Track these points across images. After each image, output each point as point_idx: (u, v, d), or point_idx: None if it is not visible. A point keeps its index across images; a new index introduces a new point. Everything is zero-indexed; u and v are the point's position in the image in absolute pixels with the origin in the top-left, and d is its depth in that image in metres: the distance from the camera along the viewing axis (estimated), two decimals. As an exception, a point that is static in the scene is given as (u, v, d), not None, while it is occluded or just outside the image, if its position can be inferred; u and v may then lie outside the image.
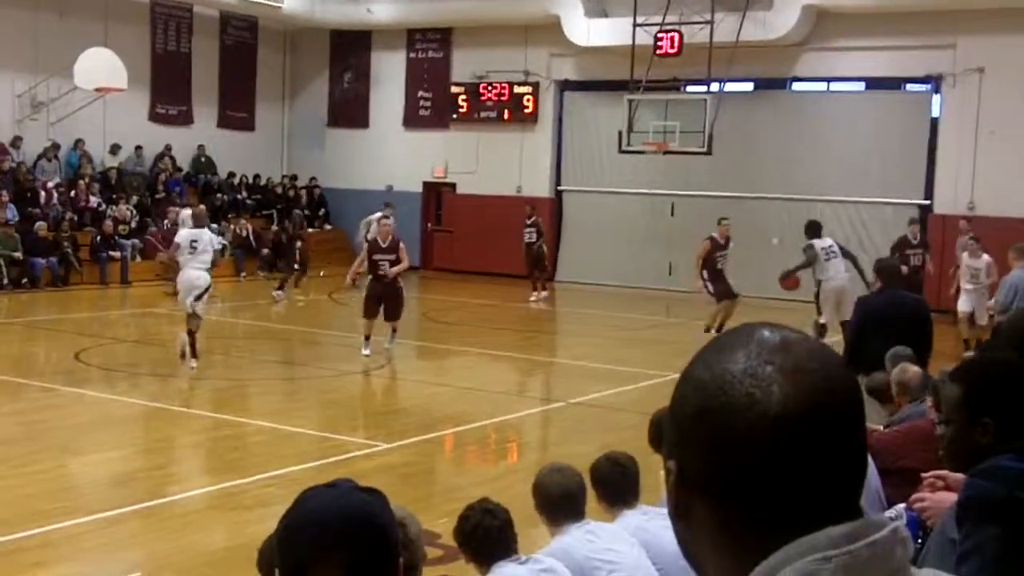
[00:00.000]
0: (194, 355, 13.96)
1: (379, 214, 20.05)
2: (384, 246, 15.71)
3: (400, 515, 3.73)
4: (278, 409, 12.41)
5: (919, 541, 5.18)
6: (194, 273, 13.92)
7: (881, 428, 7.35)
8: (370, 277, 15.75)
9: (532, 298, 23.84)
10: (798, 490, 1.22)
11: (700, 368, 1.28)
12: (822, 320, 16.72)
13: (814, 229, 17.40)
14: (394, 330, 15.91)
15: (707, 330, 17.68)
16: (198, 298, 13.91)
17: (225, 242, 14.53)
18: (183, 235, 14.56)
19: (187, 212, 18.31)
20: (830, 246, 16.95)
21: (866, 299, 10.57)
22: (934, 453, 5.97)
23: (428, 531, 7.19)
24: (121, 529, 8.13)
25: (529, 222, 24.78)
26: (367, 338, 15.62)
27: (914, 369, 7.17)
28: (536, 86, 28.51)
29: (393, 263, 15.53)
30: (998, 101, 23.57)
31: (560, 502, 4.80)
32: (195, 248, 13.94)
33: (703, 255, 19.00)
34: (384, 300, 15.58)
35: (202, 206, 18.38)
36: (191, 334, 13.94)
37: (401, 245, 15.86)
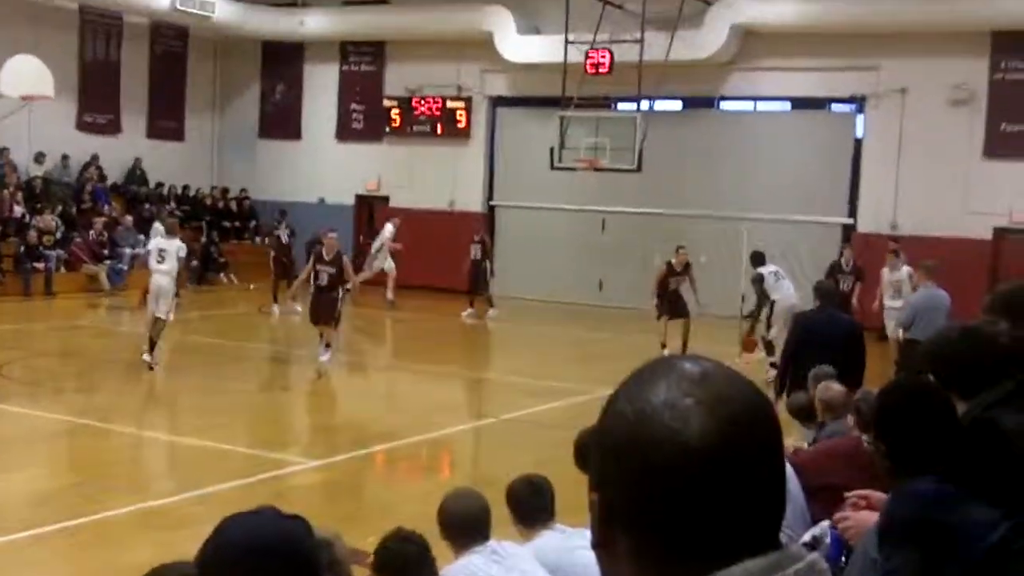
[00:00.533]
0: (151, 351, 14.95)
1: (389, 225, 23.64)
2: (328, 259, 16.28)
3: (327, 535, 3.74)
4: (205, 425, 12.23)
5: (843, 559, 5.29)
6: (161, 280, 14.97)
7: (805, 446, 7.47)
8: (312, 288, 16.46)
9: (464, 313, 23.79)
10: (716, 523, 1.23)
11: (622, 400, 1.29)
12: (771, 336, 17.16)
13: (758, 259, 18.26)
14: (327, 345, 16.06)
15: (663, 346, 18.10)
16: (164, 303, 14.96)
17: (184, 252, 15.51)
18: (152, 244, 15.81)
19: (158, 224, 19.56)
20: (776, 270, 17.95)
21: (803, 315, 10.84)
22: (857, 470, 6.11)
23: (357, 549, 7.16)
24: (44, 548, 8.01)
25: (476, 239, 24.76)
26: (327, 345, 16.03)
27: (837, 387, 7.30)
28: (469, 101, 28.57)
29: (333, 276, 16.07)
30: (920, 121, 24.10)
31: (464, 526, 4.82)
32: (163, 257, 15.01)
33: (659, 279, 19.62)
34: (321, 309, 16.19)
35: (174, 219, 19.93)
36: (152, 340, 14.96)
37: (344, 259, 16.55)
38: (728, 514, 1.23)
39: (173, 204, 29.43)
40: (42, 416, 12.47)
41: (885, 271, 18.95)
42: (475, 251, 24.39)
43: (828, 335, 9.64)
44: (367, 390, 15.80)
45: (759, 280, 17.91)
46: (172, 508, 8.90)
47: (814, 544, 5.41)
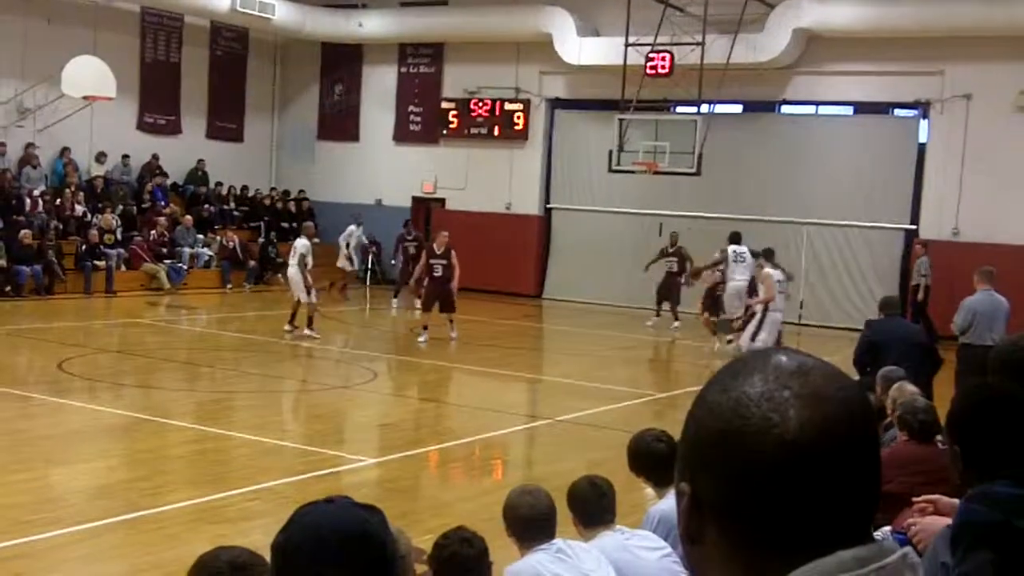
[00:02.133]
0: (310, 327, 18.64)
1: (353, 226, 25.12)
2: (439, 252, 19.47)
3: (392, 529, 3.68)
4: (263, 423, 12.32)
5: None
6: (291, 272, 19.05)
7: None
8: (426, 279, 19.93)
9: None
10: (811, 515, 1.22)
11: (716, 391, 1.27)
12: (735, 315, 19.18)
13: (734, 238, 20.45)
14: (451, 321, 19.29)
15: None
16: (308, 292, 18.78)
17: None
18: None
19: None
20: (743, 252, 19.86)
21: (873, 321, 10.99)
22: (914, 476, 6.00)
23: (414, 548, 7.12)
24: (103, 541, 8.03)
25: (410, 237, 25.73)
26: (425, 328, 19.22)
27: (911, 388, 7.17)
28: (527, 103, 28.52)
29: (446, 267, 19.33)
30: (985, 127, 23.70)
31: (530, 523, 4.76)
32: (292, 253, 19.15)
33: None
34: (439, 298, 19.28)
35: (309, 223, 23.05)
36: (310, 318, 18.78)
37: (453, 252, 19.55)
38: (822, 507, 1.22)
39: (232, 204, 29.69)
40: (102, 411, 12.56)
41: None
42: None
43: (900, 340, 9.76)
44: (423, 389, 15.76)
45: (723, 251, 20.19)
46: (229, 503, 8.90)
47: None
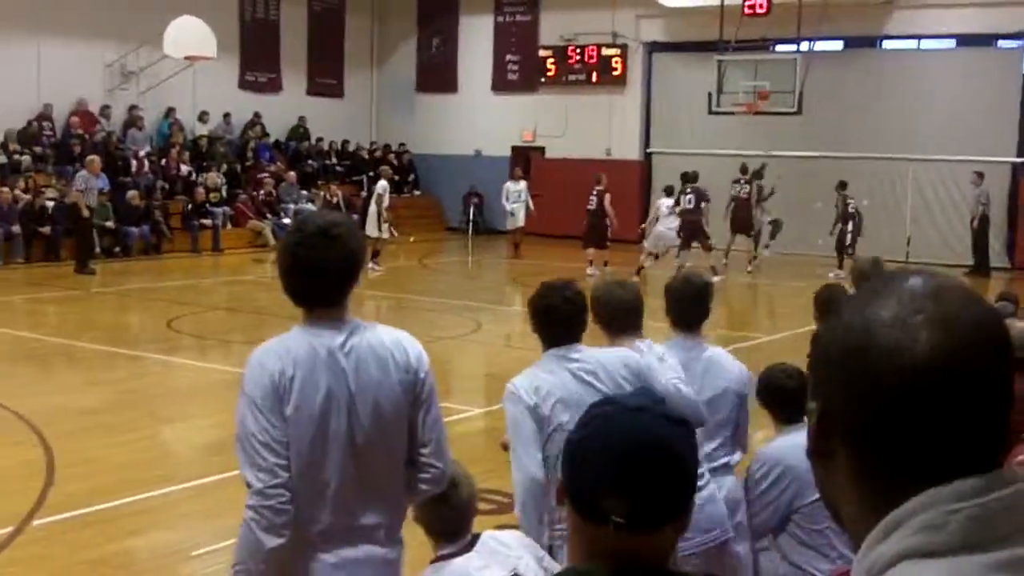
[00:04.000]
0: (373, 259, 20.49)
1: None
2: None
3: (456, 474, 3.76)
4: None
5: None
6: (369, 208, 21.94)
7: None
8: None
9: (588, 272, 21.21)
10: (938, 442, 1.22)
11: (850, 312, 1.28)
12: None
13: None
14: (605, 263, 21.25)
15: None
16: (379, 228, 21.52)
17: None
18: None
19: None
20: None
21: None
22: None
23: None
24: (217, 496, 8.26)
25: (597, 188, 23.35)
26: (591, 262, 21.39)
27: (1021, 324, 6.91)
28: (624, 48, 28.29)
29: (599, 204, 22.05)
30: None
31: (622, 314, 4.91)
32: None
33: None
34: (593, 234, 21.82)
35: (386, 166, 25.21)
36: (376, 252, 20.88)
37: (607, 195, 22.07)
38: (950, 434, 1.22)
39: (334, 159, 30.00)
40: (211, 368, 12.88)
41: None
42: (593, 201, 22.64)
43: None
44: (525, 338, 15.70)
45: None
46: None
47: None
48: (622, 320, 4.91)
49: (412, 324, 16.31)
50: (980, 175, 23.54)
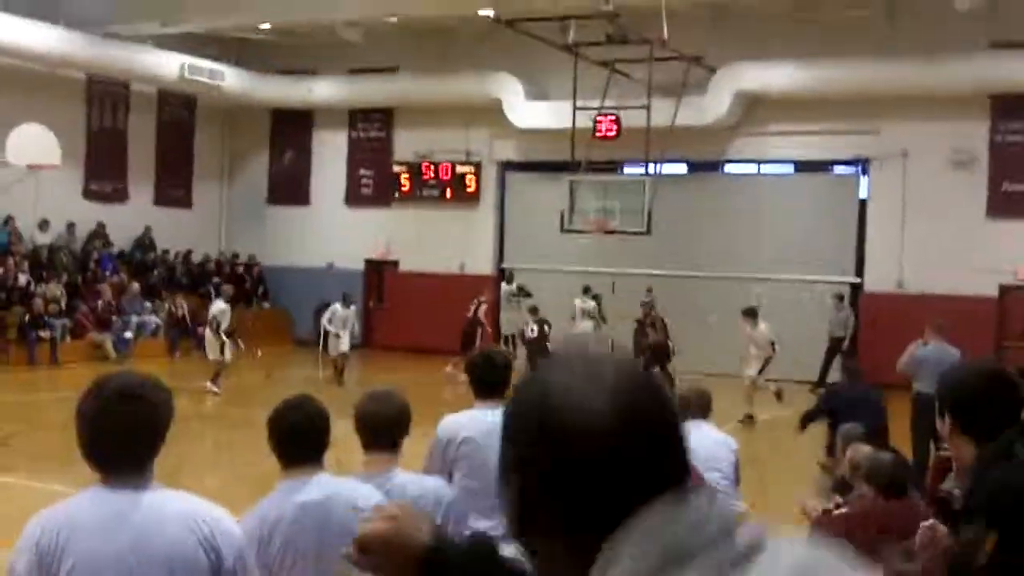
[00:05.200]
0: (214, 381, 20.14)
1: (338, 304, 23.12)
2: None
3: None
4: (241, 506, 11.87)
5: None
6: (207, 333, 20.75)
7: (831, 506, 7.29)
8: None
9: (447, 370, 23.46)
10: (626, 491, 1.35)
11: (527, 387, 1.45)
12: None
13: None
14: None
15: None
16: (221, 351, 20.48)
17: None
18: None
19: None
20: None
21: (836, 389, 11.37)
22: (883, 533, 5.93)
23: None
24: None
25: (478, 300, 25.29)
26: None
27: (865, 448, 7.14)
28: (478, 166, 28.66)
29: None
30: (922, 183, 24.26)
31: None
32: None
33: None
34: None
35: (228, 286, 24.16)
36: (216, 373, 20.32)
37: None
38: (636, 482, 1.35)
39: (179, 270, 29.43)
40: (48, 488, 12.23)
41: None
42: (472, 309, 24.99)
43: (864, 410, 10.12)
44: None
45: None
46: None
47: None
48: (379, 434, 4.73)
49: (247, 448, 15.72)
50: (841, 297, 24.39)
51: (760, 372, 19.71)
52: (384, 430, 4.64)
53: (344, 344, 22.94)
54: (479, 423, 5.42)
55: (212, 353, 20.49)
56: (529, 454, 1.38)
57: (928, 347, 12.08)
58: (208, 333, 20.68)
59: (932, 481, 9.27)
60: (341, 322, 22.93)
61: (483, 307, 24.80)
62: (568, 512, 1.36)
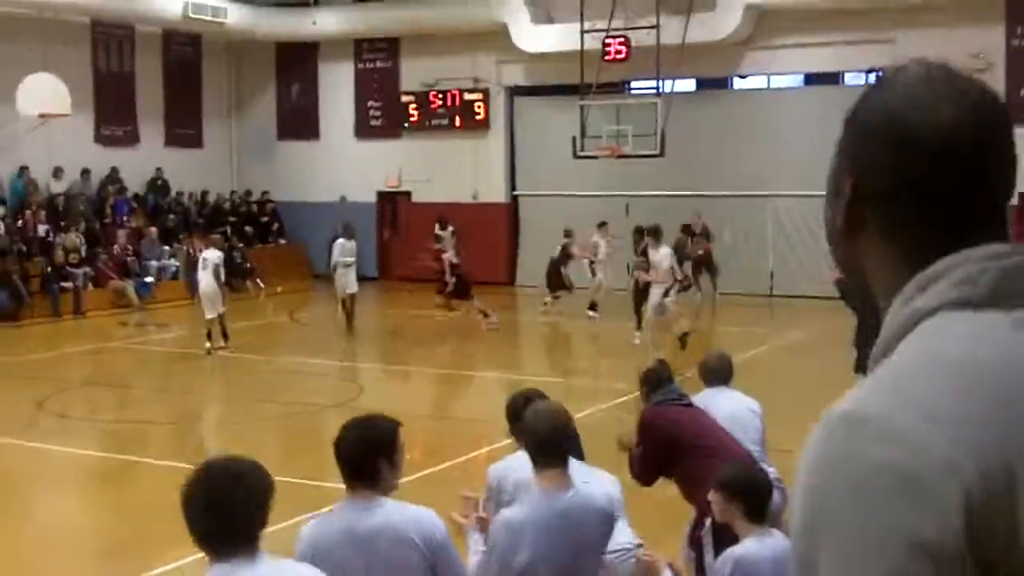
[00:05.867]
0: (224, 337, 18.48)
1: (342, 240, 21.63)
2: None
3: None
4: (256, 455, 12.02)
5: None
6: (206, 285, 18.46)
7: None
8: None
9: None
10: (967, 203, 1.38)
11: (878, 94, 1.46)
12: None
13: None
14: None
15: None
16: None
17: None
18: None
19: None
20: None
21: None
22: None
23: None
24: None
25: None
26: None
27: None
28: (486, 92, 28.46)
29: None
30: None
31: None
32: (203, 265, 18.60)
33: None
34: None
35: (216, 234, 22.41)
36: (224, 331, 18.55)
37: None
38: (976, 197, 1.39)
39: (194, 211, 29.45)
40: (83, 454, 12.42)
41: None
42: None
43: None
44: (414, 402, 15.42)
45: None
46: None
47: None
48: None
49: (290, 391, 16.01)
50: None
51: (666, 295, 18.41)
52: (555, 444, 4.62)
53: (351, 283, 21.30)
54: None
55: (210, 310, 18.31)
56: (870, 151, 1.42)
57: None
58: (211, 283, 18.38)
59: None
60: (349, 254, 21.34)
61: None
62: (896, 221, 1.40)
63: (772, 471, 7.00)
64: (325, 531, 4.34)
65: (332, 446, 4.37)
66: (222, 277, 18.67)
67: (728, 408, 7.02)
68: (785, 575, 4.90)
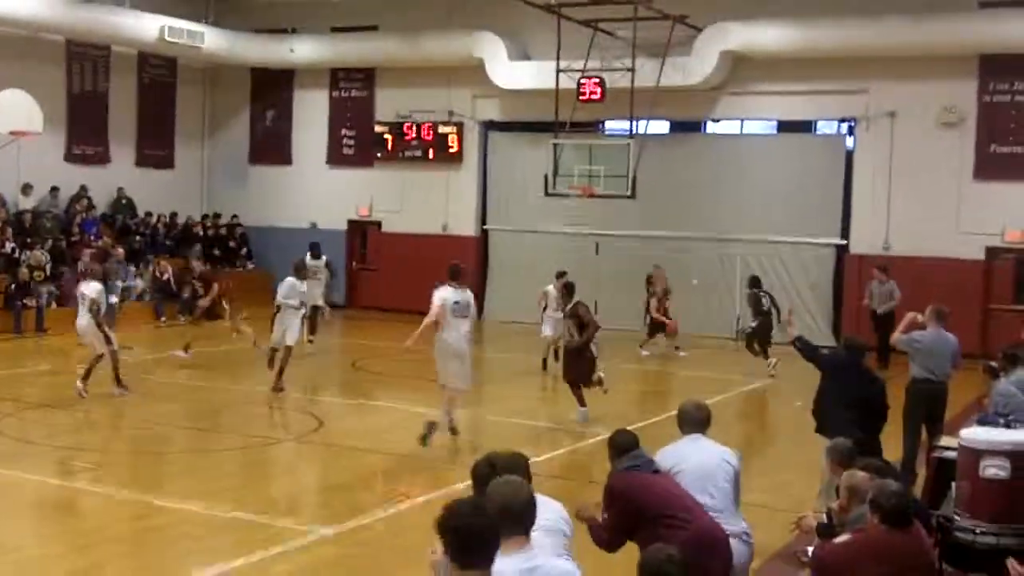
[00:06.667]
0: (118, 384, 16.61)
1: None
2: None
3: None
4: (207, 489, 11.89)
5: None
6: (82, 322, 16.33)
7: (823, 517, 7.36)
8: None
9: None
10: None
11: None
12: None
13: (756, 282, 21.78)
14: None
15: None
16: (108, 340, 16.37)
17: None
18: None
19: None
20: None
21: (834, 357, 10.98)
22: (884, 565, 6.02)
23: None
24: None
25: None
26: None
27: (861, 475, 7.09)
28: (460, 126, 28.55)
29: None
30: (910, 143, 24.26)
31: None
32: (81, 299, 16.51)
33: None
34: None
35: (97, 266, 19.23)
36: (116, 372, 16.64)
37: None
38: None
39: (163, 233, 29.29)
40: (35, 480, 12.24)
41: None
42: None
43: (856, 393, 9.96)
44: (371, 438, 15.28)
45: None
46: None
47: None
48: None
49: (243, 424, 15.72)
50: (884, 268, 22.30)
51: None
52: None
53: (318, 297, 21.30)
54: None
55: (98, 345, 16.31)
56: None
57: (925, 333, 12.04)
58: (84, 323, 16.30)
59: (928, 485, 9.35)
60: (311, 272, 20.75)
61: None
62: None
63: (742, 525, 6.95)
64: None
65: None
66: (101, 310, 16.27)
67: (696, 459, 6.98)
68: None
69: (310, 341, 21.59)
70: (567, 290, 16.42)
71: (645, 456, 6.73)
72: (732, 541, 6.70)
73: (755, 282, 21.77)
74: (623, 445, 6.73)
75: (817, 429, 10.24)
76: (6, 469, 12.33)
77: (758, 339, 21.11)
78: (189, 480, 12.55)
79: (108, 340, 16.24)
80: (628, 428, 7.10)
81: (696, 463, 6.95)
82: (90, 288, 16.33)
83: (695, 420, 7.35)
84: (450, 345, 13.71)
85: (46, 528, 10.80)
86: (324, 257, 23.34)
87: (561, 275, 19.99)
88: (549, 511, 5.21)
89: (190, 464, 13.51)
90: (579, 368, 15.87)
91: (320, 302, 22.27)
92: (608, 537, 6.54)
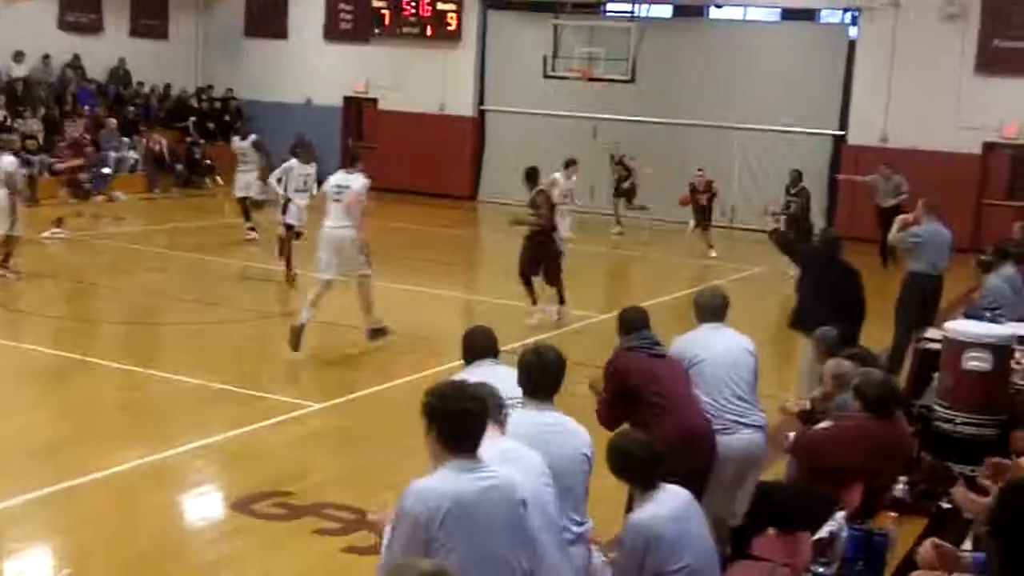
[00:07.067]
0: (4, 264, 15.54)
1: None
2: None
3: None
4: (199, 361, 11.98)
5: (859, 562, 5.29)
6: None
7: (807, 404, 7.43)
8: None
9: None
10: None
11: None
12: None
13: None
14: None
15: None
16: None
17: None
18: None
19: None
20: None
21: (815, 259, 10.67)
22: (865, 455, 6.13)
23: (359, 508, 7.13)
24: (40, 515, 7.75)
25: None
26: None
27: (848, 363, 7.14)
28: (460, 3, 28.12)
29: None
30: (913, 35, 23.98)
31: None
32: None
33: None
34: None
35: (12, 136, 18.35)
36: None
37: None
38: None
39: (156, 105, 29.04)
40: (29, 349, 12.31)
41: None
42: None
43: (841, 291, 9.83)
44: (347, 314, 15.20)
45: None
46: (175, 463, 8.78)
47: (831, 539, 5.44)
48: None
49: (246, 296, 15.72)
50: (890, 164, 22.06)
51: None
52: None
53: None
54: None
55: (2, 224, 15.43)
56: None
57: (924, 227, 12.02)
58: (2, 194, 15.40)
59: (912, 375, 9.47)
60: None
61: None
62: None
63: (761, 416, 6.91)
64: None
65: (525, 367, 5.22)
66: (18, 187, 15.73)
67: (723, 348, 6.85)
68: (689, 530, 5.00)
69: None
70: (528, 177, 14.94)
71: (651, 337, 6.59)
72: (752, 432, 6.69)
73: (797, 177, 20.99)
74: (631, 323, 6.64)
75: (794, 323, 10.16)
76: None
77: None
78: (181, 352, 12.64)
79: (13, 222, 15.37)
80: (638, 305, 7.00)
81: (721, 352, 6.80)
82: (3, 160, 15.58)
83: (714, 308, 7.11)
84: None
85: (35, 395, 10.89)
86: (253, 136, 20.75)
87: (570, 163, 19.65)
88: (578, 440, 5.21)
89: (184, 337, 13.55)
90: (532, 261, 14.73)
91: (252, 192, 19.79)
92: (605, 413, 6.53)
